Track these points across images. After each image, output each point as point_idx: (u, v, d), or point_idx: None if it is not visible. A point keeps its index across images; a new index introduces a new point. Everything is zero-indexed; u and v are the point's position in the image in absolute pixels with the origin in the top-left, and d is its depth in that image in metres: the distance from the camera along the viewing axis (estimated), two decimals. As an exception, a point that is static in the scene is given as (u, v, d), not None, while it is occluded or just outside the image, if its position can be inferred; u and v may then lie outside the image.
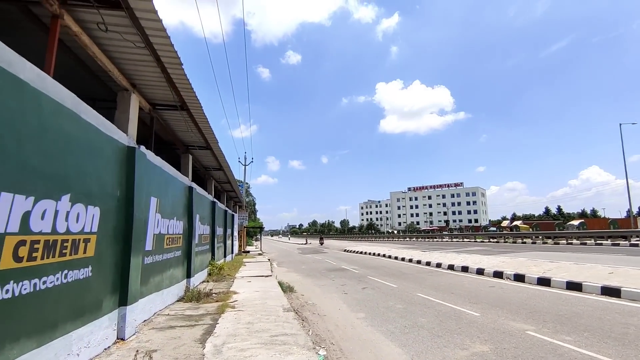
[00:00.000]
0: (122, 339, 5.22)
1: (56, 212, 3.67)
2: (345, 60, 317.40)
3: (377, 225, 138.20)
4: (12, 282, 3.03)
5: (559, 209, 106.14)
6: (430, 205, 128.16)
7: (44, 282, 3.48)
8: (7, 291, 2.98)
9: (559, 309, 7.27)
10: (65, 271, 3.84)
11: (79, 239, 4.11)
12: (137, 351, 4.08)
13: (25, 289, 3.20)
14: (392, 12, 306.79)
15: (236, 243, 27.62)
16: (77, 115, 4.13)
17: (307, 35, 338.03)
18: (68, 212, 3.88)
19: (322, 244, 47.21)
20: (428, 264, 16.54)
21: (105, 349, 4.81)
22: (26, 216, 3.22)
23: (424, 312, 7.57)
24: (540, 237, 30.46)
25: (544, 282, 10.09)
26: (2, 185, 2.91)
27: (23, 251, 3.17)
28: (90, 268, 4.37)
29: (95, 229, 4.48)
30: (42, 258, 3.45)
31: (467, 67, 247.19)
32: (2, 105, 2.95)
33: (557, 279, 9.84)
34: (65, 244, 3.83)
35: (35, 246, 3.34)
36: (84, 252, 4.24)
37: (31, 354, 3.28)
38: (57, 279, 3.70)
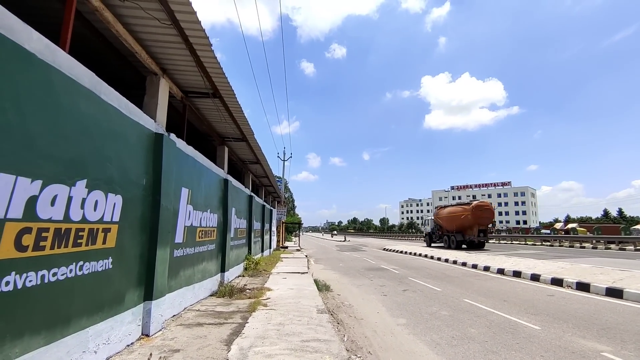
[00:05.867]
0: (147, 335, 4.97)
1: (69, 198, 3.38)
2: (390, 53, 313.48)
3: (418, 224, 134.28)
4: (13, 273, 2.74)
5: (620, 211, 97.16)
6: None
7: (54, 274, 3.19)
8: (7, 283, 2.69)
9: (639, 327, 6.17)
10: (81, 262, 3.56)
11: (97, 229, 3.83)
12: (151, 354, 3.73)
13: (30, 281, 2.91)
14: (443, 1, 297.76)
15: (274, 238, 27.62)
16: (96, 95, 3.85)
17: (353, 28, 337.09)
18: (84, 199, 3.60)
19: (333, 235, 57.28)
20: (475, 266, 15.37)
21: (128, 345, 4.55)
22: (32, 201, 2.93)
23: (473, 321, 6.75)
24: (602, 241, 27.69)
25: (614, 293, 8.81)
26: (0, 165, 2.62)
27: (28, 239, 2.89)
28: (110, 260, 4.09)
29: (116, 219, 4.20)
30: (52, 248, 3.17)
31: (521, 59, 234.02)
32: (2, 75, 2.65)
33: (631, 290, 8.54)
34: (80, 234, 3.55)
35: (44, 234, 3.06)
36: (104, 242, 3.96)
37: (38, 352, 3.00)
38: (71, 270, 3.42)
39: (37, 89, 3.02)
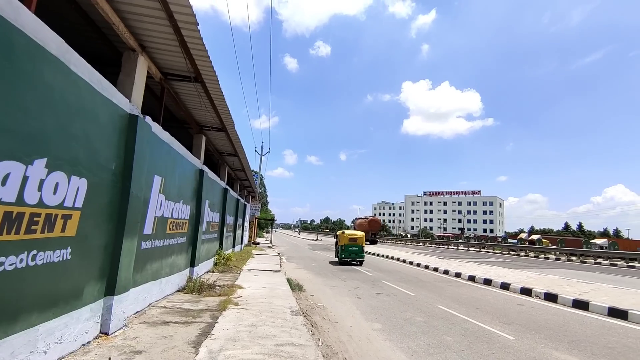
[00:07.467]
0: (106, 334, 4.55)
1: (25, 178, 2.97)
2: (374, 55, 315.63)
3: (390, 227, 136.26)
4: (-52, 261, 2.33)
5: (580, 225, 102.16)
6: (445, 212, 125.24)
7: (0, 264, 2.78)
8: (-61, 273, 2.28)
9: (607, 340, 6.29)
10: (34, 252, 3.15)
11: (56, 214, 3.41)
12: (110, 357, 3.36)
13: (-31, 271, 2.50)
14: (429, 9, 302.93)
15: (246, 234, 27.07)
16: (65, 65, 3.43)
17: (339, 28, 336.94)
18: (42, 180, 3.18)
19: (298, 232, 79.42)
20: (446, 272, 15.54)
21: (84, 344, 4.13)
22: (-23, 179, 2.52)
23: (448, 328, 6.69)
24: (565, 253, 28.83)
25: (580, 305, 9.03)
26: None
27: (-31, 223, 2.47)
28: (69, 250, 3.68)
29: (79, 204, 3.78)
30: (0, 233, 2.75)
31: (499, 72, 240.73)
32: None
33: (596, 302, 8.79)
34: (35, 219, 3.14)
35: (-10, 218, 2.64)
36: (62, 230, 3.54)
37: (-25, 353, 2.59)
38: (21, 260, 3.01)
39: (-8, 49, 2.60)
